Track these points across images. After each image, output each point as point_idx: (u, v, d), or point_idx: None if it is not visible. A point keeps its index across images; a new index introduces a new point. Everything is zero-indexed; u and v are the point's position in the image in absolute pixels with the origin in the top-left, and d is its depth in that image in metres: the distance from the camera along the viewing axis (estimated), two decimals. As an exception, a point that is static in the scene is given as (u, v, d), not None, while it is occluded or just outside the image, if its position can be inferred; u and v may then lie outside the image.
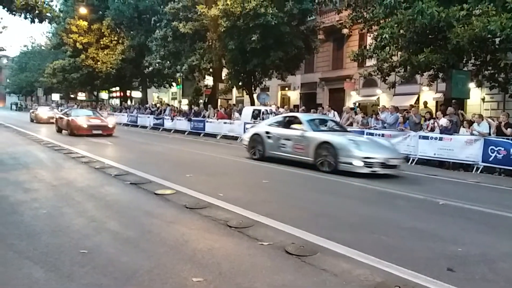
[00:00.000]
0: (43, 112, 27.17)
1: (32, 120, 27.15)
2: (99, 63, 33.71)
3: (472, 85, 14.51)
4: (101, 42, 34.04)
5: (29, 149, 11.52)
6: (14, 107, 66.06)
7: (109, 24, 32.89)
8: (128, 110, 31.60)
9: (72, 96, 53.86)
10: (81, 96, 52.81)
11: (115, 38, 33.73)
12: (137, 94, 40.99)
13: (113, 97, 49.52)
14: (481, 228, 5.03)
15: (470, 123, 11.32)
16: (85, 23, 33.96)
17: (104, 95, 48.75)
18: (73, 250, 3.70)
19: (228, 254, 3.75)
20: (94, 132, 16.30)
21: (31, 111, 30.73)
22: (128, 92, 40.77)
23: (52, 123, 22.71)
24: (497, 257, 3.97)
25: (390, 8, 12.76)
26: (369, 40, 16.90)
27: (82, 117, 17.05)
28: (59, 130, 18.01)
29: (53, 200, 5.68)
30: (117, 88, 42.05)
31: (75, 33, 34.06)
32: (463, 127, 11.35)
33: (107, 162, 9.29)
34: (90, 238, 4.07)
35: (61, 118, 18.15)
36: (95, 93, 45.25)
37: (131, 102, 40.03)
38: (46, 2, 12.23)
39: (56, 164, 9.13)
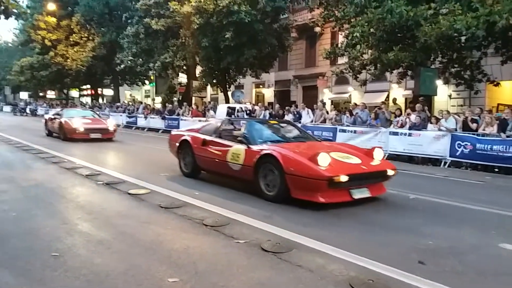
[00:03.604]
0: (77, 120, 14.62)
1: (49, 133, 15.87)
2: (68, 60, 32.84)
3: (439, 82, 14.95)
4: (71, 39, 33.16)
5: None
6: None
7: (79, 20, 32.12)
8: (99, 108, 30.91)
9: (41, 94, 52.27)
10: (51, 94, 51.30)
11: (85, 35, 32.93)
12: (108, 92, 40.17)
13: (83, 95, 48.35)
14: (450, 221, 5.21)
15: (436, 119, 11.68)
16: (54, 20, 32.99)
17: (74, 93, 47.54)
18: (44, 253, 3.61)
19: (204, 253, 3.74)
20: None
21: (46, 116, 17.37)
22: (99, 90, 39.89)
23: (95, 139, 13.96)
24: (466, 249, 4.13)
25: (360, 7, 13.01)
26: (341, 38, 17.13)
27: None
28: None
29: (22, 202, 5.52)
30: (88, 86, 41.10)
31: (43, 29, 33.05)
32: (431, 123, 11.69)
33: (77, 162, 9.08)
34: (62, 240, 3.98)
35: None
36: (65, 91, 44.07)
37: (103, 100, 39.20)
38: (12, -2, 11.84)
39: (24, 164, 8.86)
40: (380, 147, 6.55)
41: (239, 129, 7.30)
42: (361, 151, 6.53)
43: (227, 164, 6.58)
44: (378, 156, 6.28)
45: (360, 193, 5.67)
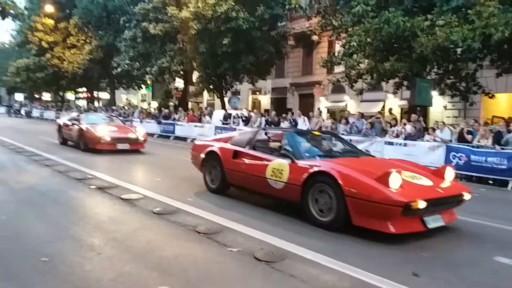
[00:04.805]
0: (102, 128, 12.16)
1: (63, 141, 13.55)
2: (65, 62, 32.75)
3: (434, 93, 15.02)
4: (68, 41, 33.10)
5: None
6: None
7: (77, 23, 32.04)
8: (95, 111, 30.81)
9: (36, 96, 52.09)
10: (46, 96, 51.13)
11: (83, 38, 32.86)
12: (104, 95, 40.09)
13: (79, 98, 48.19)
14: (444, 233, 5.17)
15: (433, 130, 11.72)
16: (51, 22, 32.96)
17: (70, 95, 47.38)
18: (33, 258, 3.56)
19: (196, 261, 3.69)
20: None
21: (60, 121, 14.53)
22: (95, 93, 39.80)
23: (122, 151, 11.71)
24: (461, 262, 4.11)
25: (358, 17, 13.07)
26: (338, 47, 17.18)
27: None
28: None
29: (13, 205, 5.44)
30: (84, 89, 40.98)
31: (40, 31, 33.01)
32: (428, 133, 11.72)
33: (70, 165, 8.99)
34: (52, 245, 3.92)
35: None
36: (61, 93, 43.94)
37: (99, 103, 39.09)
38: (10, -1, 11.81)
39: (17, 166, 8.77)
40: (452, 166, 5.61)
41: (277, 141, 6.51)
42: (428, 170, 5.70)
43: (266, 181, 5.64)
44: (449, 177, 5.36)
45: (434, 222, 4.80)
